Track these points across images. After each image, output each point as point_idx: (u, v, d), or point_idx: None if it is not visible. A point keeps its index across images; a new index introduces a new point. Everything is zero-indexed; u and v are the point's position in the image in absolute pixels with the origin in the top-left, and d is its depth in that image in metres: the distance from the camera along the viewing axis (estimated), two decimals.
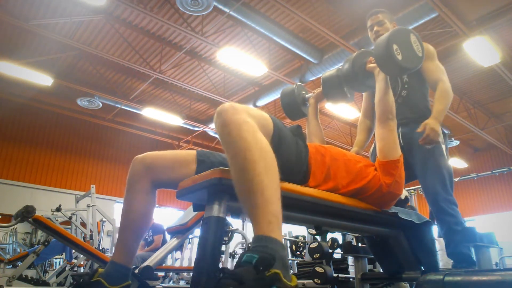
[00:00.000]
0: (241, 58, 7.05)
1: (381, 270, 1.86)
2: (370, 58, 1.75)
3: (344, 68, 1.84)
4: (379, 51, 1.58)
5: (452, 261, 2.02)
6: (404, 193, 1.70)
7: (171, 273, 5.84)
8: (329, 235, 2.94)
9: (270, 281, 0.79)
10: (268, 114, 1.22)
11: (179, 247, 5.69)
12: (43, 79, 7.61)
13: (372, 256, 1.97)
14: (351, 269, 3.25)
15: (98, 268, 1.23)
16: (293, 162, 1.28)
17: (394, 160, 1.48)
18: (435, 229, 2.15)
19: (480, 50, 6.58)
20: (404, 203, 1.71)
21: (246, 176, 0.93)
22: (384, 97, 1.59)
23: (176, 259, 6.26)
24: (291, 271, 4.73)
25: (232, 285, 0.76)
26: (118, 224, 6.41)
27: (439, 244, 3.38)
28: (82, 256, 4.98)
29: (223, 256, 5.21)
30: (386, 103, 1.58)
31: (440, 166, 2.07)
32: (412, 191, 5.98)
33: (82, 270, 5.35)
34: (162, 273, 5.38)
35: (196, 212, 2.90)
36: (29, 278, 3.89)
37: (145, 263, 2.51)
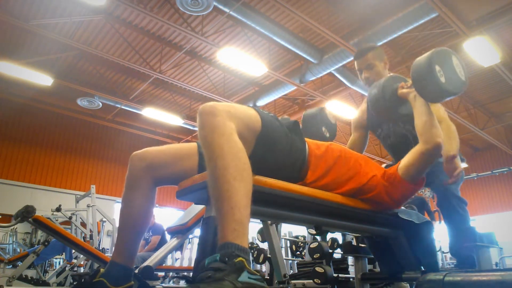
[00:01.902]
0: (241, 58, 7.05)
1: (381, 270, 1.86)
2: (402, 83, 1.59)
3: (372, 94, 1.67)
4: (419, 72, 1.41)
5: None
6: None
7: (171, 273, 5.84)
8: (329, 235, 2.94)
9: (241, 267, 0.84)
10: (257, 111, 1.19)
11: (179, 247, 5.68)
12: (43, 79, 7.61)
13: (372, 256, 1.97)
14: (351, 269, 3.25)
15: (100, 268, 1.22)
16: (287, 159, 1.25)
17: (417, 186, 1.44)
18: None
19: (480, 50, 6.58)
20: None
21: (216, 183, 0.95)
22: (430, 119, 1.44)
23: (176, 259, 6.26)
24: (291, 271, 4.73)
25: (210, 274, 0.81)
26: (118, 224, 6.41)
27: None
28: (82, 256, 4.98)
29: None
30: (434, 124, 1.43)
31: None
32: None
33: (82, 270, 5.35)
34: (162, 273, 5.38)
35: (196, 212, 2.90)
36: (29, 278, 3.89)
37: (145, 263, 2.51)
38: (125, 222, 1.28)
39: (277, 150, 1.22)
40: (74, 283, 4.48)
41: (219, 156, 0.96)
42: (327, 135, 1.95)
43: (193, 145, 1.35)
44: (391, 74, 1.72)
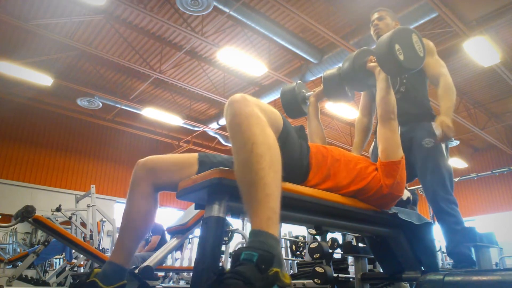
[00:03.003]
0: (241, 58, 7.04)
1: (381, 270, 1.86)
2: (371, 57, 1.73)
3: (344, 66, 1.82)
4: (380, 50, 1.56)
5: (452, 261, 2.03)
6: (406, 194, 1.69)
7: (171, 273, 5.84)
8: (329, 235, 2.94)
9: (273, 280, 0.80)
10: (278, 111, 1.22)
11: (179, 247, 5.68)
12: (43, 79, 7.61)
13: (372, 256, 1.97)
14: (351, 269, 3.25)
15: (94, 268, 1.24)
16: (295, 162, 1.28)
17: (396, 161, 1.46)
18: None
19: (480, 50, 6.57)
20: (406, 203, 1.70)
21: (250, 169, 0.93)
22: (386, 96, 1.57)
23: (176, 259, 6.26)
24: (291, 271, 4.73)
25: (239, 285, 0.76)
26: (118, 224, 6.43)
27: None
28: (82, 256, 4.98)
29: (223, 256, 5.21)
30: (388, 103, 1.56)
31: (440, 165, 2.08)
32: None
33: (82, 270, 5.35)
34: (162, 273, 5.38)
35: (196, 212, 2.90)
36: (29, 278, 3.88)
37: (145, 263, 2.52)
38: (125, 224, 1.31)
39: (289, 153, 1.24)
40: (72, 284, 4.48)
41: (255, 143, 0.95)
42: (349, 94, 1.98)
43: (194, 155, 1.38)
44: (363, 47, 1.85)
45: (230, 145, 1.05)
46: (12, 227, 7.75)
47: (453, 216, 2.00)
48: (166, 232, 5.12)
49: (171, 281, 5.99)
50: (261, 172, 0.92)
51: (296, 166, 1.29)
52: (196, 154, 1.38)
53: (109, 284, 1.18)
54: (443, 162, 2.09)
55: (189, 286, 3.87)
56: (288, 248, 5.69)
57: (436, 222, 2.15)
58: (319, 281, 2.11)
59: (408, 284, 1.97)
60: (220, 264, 5.19)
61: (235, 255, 0.84)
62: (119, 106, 9.43)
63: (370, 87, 1.83)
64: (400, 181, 1.47)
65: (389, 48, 1.51)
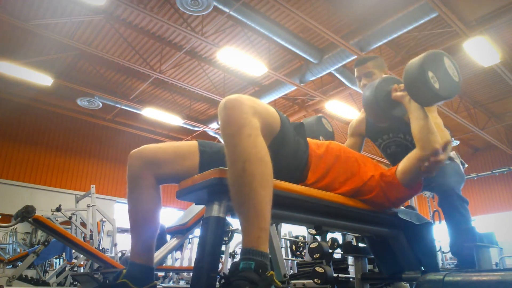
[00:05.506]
0: (241, 58, 7.05)
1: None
2: (395, 86, 1.53)
3: (365, 96, 1.63)
4: (412, 80, 1.37)
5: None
6: None
7: (171, 273, 5.84)
8: (329, 235, 2.94)
9: (271, 281, 0.89)
10: (276, 110, 1.20)
11: (179, 247, 5.69)
12: (43, 79, 7.61)
13: (372, 256, 1.97)
14: (351, 269, 3.25)
15: (123, 270, 1.18)
16: (292, 160, 1.27)
17: (410, 190, 1.41)
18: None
19: (480, 50, 6.57)
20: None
21: (242, 188, 0.96)
22: (426, 125, 1.37)
23: (176, 259, 6.26)
24: (291, 271, 4.73)
25: (246, 286, 0.86)
26: (118, 224, 6.42)
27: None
28: (82, 256, 4.98)
29: (223, 256, 5.21)
30: (431, 130, 1.35)
31: (455, 167, 2.20)
32: None
33: (82, 270, 5.35)
34: (162, 273, 5.38)
35: (196, 212, 2.90)
36: (29, 278, 3.89)
37: None
38: (135, 222, 1.24)
39: (285, 153, 1.24)
40: (74, 283, 4.48)
41: (246, 160, 0.95)
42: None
43: (194, 143, 1.32)
44: (385, 75, 1.68)
45: None
46: (12, 227, 7.75)
47: (463, 215, 2.01)
48: (166, 232, 5.11)
49: (171, 281, 6.00)
50: (252, 193, 0.94)
51: (293, 165, 1.27)
52: (195, 142, 1.32)
53: (139, 286, 1.13)
54: (456, 165, 2.21)
55: (189, 286, 3.87)
56: (288, 248, 5.69)
57: (436, 222, 2.15)
58: (319, 281, 2.11)
59: (408, 284, 1.97)
60: (220, 267, 5.20)
61: (234, 266, 0.93)
62: (119, 106, 9.43)
63: (394, 119, 1.64)
64: (404, 200, 1.48)
65: (422, 78, 1.33)
